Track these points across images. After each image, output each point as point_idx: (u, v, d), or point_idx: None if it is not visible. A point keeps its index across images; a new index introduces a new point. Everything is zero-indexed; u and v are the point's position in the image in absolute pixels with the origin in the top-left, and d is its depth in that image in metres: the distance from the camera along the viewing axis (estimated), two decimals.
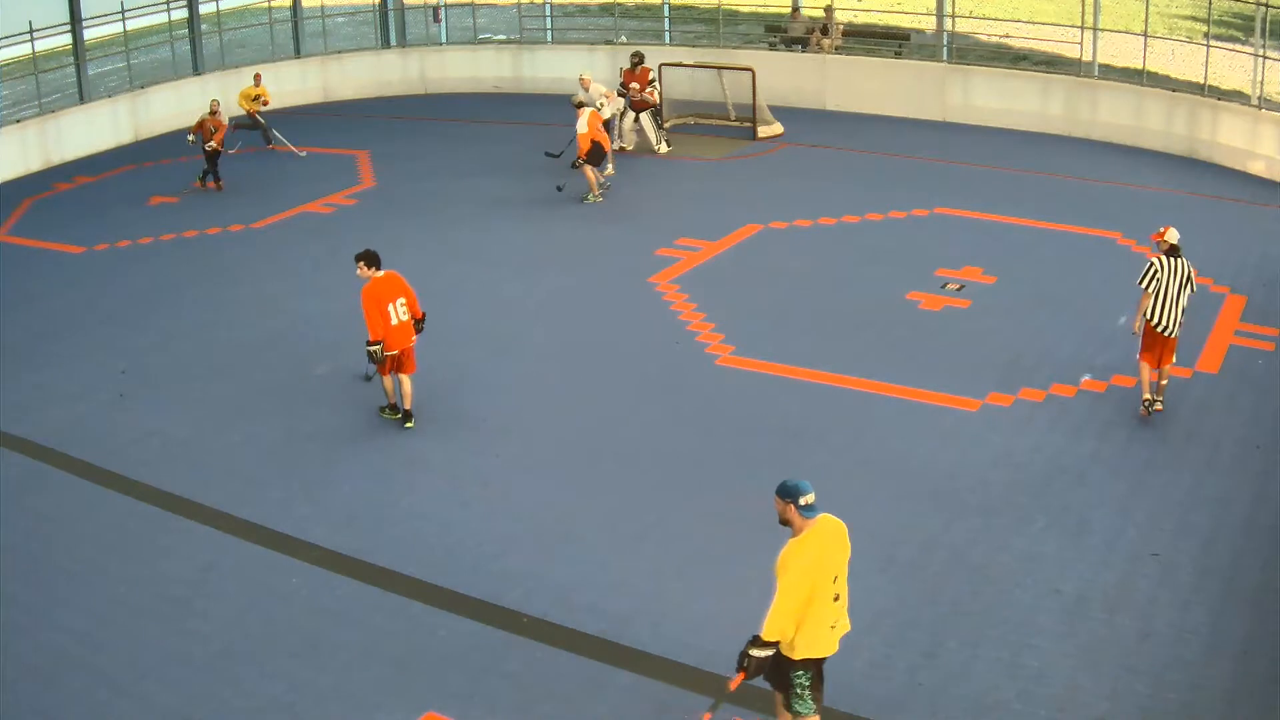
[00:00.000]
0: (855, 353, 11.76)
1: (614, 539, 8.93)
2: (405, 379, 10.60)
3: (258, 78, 20.69)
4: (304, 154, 19.65)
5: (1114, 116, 18.83)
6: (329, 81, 23.47)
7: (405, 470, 10.02)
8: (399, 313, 10.41)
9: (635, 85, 18.69)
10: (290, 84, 23.13)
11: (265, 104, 20.29)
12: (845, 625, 6.36)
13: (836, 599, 6.23)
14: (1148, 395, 10.29)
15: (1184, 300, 10.10)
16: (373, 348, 10.41)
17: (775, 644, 6.19)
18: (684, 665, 7.55)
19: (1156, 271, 10.08)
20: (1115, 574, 8.31)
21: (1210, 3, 19.14)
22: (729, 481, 9.65)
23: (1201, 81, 18.26)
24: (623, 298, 13.35)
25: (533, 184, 17.68)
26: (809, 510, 6.21)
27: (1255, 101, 17.69)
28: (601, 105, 17.54)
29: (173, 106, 21.47)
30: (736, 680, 6.30)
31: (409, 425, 10.63)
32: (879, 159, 18.55)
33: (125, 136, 20.76)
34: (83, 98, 20.50)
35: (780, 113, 20.09)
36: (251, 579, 8.62)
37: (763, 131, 19.64)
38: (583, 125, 16.52)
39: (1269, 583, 8.19)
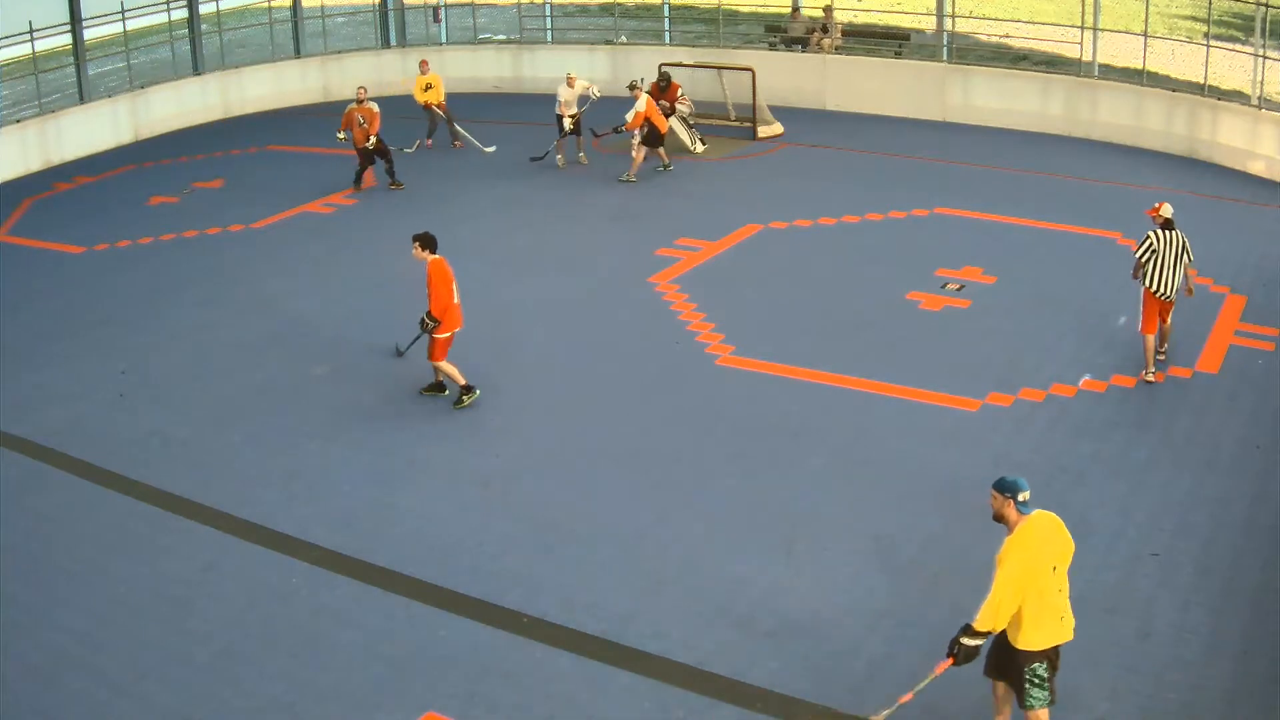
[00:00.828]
0: (855, 353, 11.76)
1: (614, 539, 8.94)
2: (445, 366, 10.94)
3: (424, 64, 19.72)
4: (492, 149, 18.98)
5: (1114, 116, 18.84)
6: (329, 81, 23.47)
7: (405, 470, 10.02)
8: (458, 294, 10.77)
9: (665, 103, 18.68)
10: (290, 84, 23.15)
11: (436, 95, 19.13)
12: (1071, 617, 6.53)
13: (1060, 590, 6.45)
14: (1150, 370, 10.92)
15: (1180, 268, 10.78)
16: (432, 321, 10.71)
17: (986, 634, 6.46)
18: (684, 665, 7.55)
19: (1153, 244, 10.79)
20: (1115, 574, 8.31)
21: (1210, 3, 19.14)
22: (729, 481, 9.65)
23: (1201, 81, 18.26)
24: (623, 298, 13.35)
25: (533, 184, 17.70)
26: (1025, 506, 6.43)
27: (1255, 101, 17.69)
28: (593, 97, 18.01)
29: (173, 106, 21.50)
30: (944, 665, 6.62)
31: (463, 403, 10.92)
32: (879, 159, 18.55)
33: (125, 136, 20.76)
34: (83, 98, 20.50)
35: (780, 113, 20.09)
36: (251, 579, 8.62)
37: (763, 131, 19.64)
38: (641, 105, 17.12)
39: (1269, 583, 8.19)
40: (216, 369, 11.97)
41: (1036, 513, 6.48)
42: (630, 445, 10.29)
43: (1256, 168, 17.11)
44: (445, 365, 10.93)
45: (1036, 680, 6.50)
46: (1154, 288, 10.80)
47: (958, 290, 13.19)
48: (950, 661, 6.59)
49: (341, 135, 17.34)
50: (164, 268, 14.87)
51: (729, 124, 20.24)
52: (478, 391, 10.99)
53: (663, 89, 18.77)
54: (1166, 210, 10.95)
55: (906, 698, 6.88)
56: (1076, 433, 10.22)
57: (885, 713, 6.94)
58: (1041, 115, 19.48)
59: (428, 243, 10.83)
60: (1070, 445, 10.01)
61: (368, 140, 17.12)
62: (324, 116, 22.42)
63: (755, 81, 19.49)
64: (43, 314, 13.55)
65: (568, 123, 18.01)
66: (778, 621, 7.96)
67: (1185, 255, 10.84)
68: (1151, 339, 10.95)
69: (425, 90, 19.49)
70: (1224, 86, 19.14)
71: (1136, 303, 11.19)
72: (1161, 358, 11.20)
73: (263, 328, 12.94)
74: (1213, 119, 17.75)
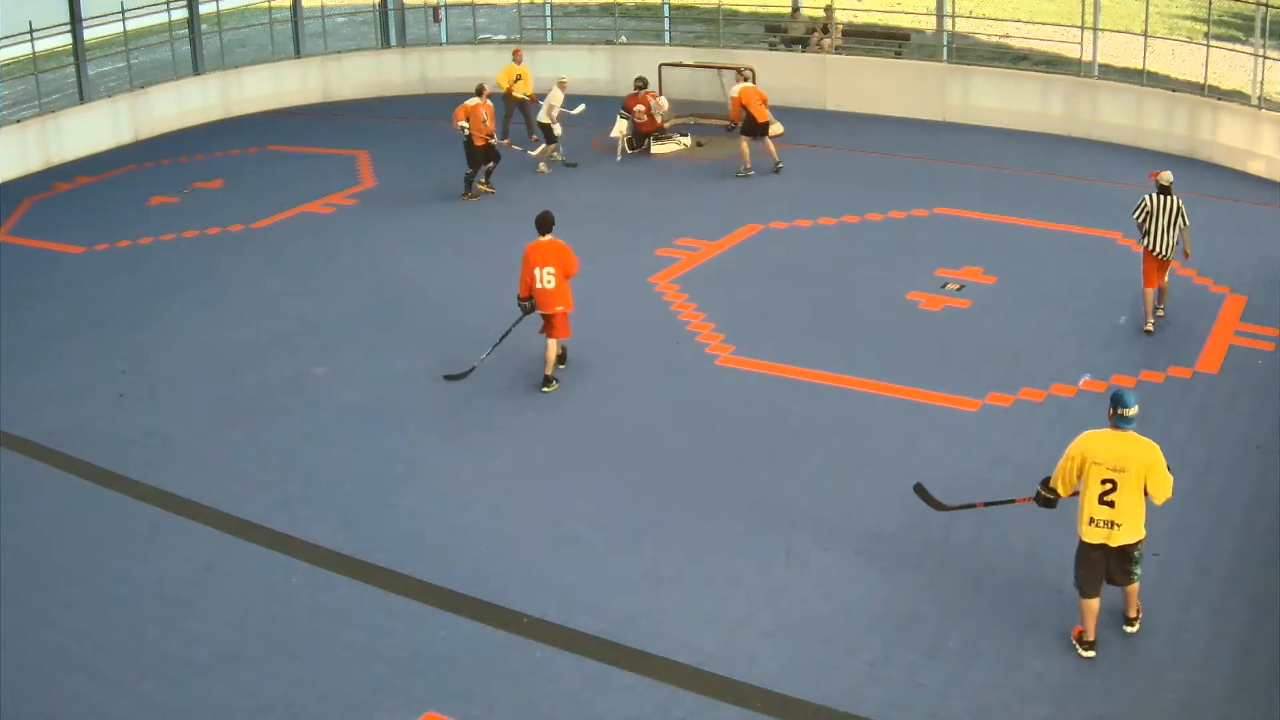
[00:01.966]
0: (855, 353, 11.76)
1: (614, 539, 8.94)
2: (551, 342, 11.19)
3: (518, 54, 19.51)
4: (536, 154, 18.39)
5: (1114, 116, 18.83)
6: (329, 81, 23.48)
7: (405, 470, 10.02)
8: (544, 278, 10.97)
9: (630, 110, 18.80)
10: (290, 84, 23.16)
11: (516, 87, 18.63)
12: (1116, 536, 7.19)
13: (1105, 502, 7.15)
14: (1150, 322, 11.91)
15: (1175, 230, 11.57)
16: (521, 303, 11.18)
17: (1054, 492, 7.49)
18: (684, 665, 7.55)
19: (1146, 206, 11.60)
20: None
21: (1210, 3, 19.14)
22: (729, 481, 9.65)
23: (1201, 81, 18.26)
24: (623, 297, 13.35)
25: (532, 184, 17.69)
26: (1122, 421, 7.18)
27: (1255, 101, 17.68)
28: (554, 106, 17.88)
29: (173, 106, 21.51)
30: (1025, 499, 7.86)
31: (545, 390, 11.15)
32: (879, 159, 18.55)
33: (125, 136, 20.77)
34: (83, 98, 20.51)
35: (780, 113, 20.06)
36: (251, 579, 8.62)
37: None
38: (734, 90, 17.45)
39: (1269, 583, 8.19)
40: (216, 369, 11.97)
41: (1131, 434, 7.16)
42: (630, 445, 10.29)
43: (1256, 168, 17.10)
44: (554, 346, 11.25)
45: (1076, 563, 7.44)
46: (1151, 247, 11.61)
47: (958, 290, 13.19)
48: (1031, 499, 7.74)
49: (463, 124, 16.49)
50: (164, 268, 14.87)
51: (729, 124, 20.17)
52: (558, 384, 11.30)
53: (635, 92, 18.82)
54: (1165, 177, 11.63)
55: (979, 505, 8.23)
56: (1076, 433, 10.10)
57: (955, 507, 8.29)
58: (1041, 115, 19.48)
59: (538, 224, 11.14)
60: None
61: (490, 137, 16.72)
62: (324, 116, 22.46)
63: (754, 82, 19.44)
64: (43, 314, 13.56)
65: (557, 129, 17.92)
66: (778, 621, 7.96)
67: (1180, 218, 11.53)
68: (1151, 293, 11.83)
69: (514, 81, 19.09)
70: (1224, 86, 19.13)
71: (1137, 290, 11.96)
72: (1160, 314, 11.99)
73: (263, 328, 12.93)
74: (1213, 119, 17.74)
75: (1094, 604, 7.38)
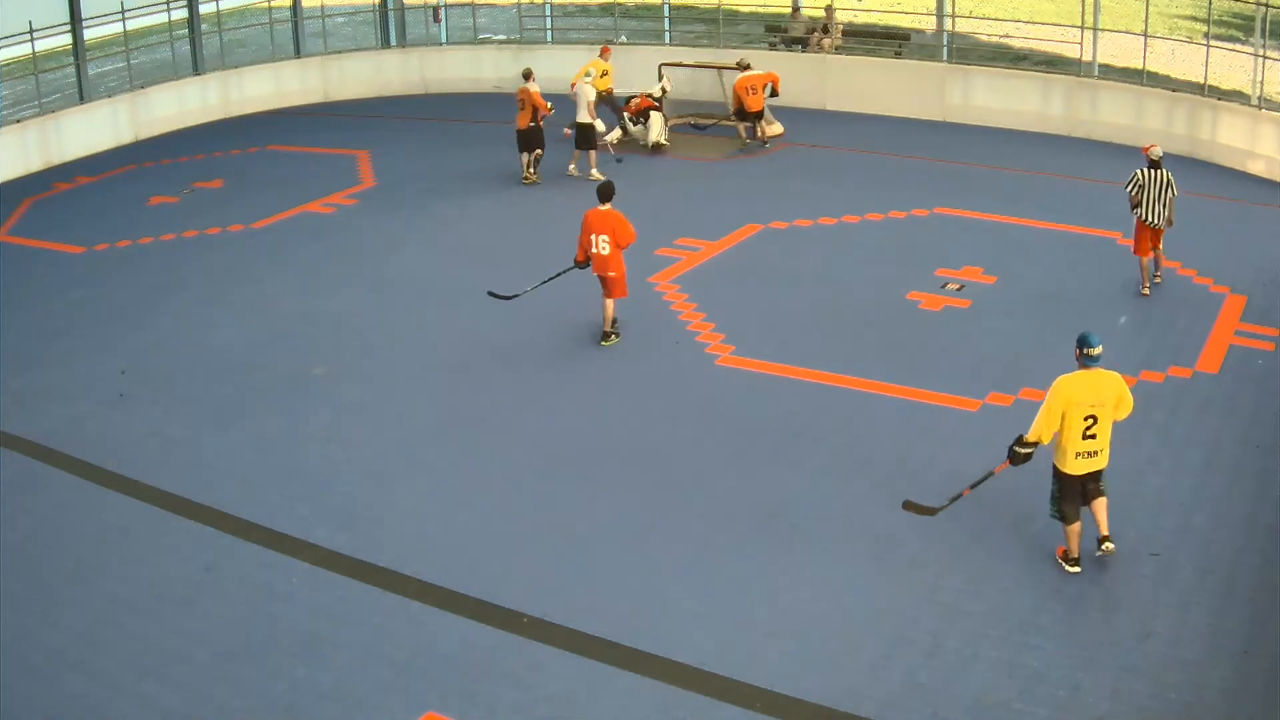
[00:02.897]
0: (855, 353, 11.76)
1: (614, 539, 8.94)
2: (608, 302, 12.00)
3: (606, 50, 19.49)
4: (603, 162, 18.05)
5: (1114, 116, 18.83)
6: (329, 81, 23.48)
7: (405, 470, 10.02)
8: (599, 244, 11.80)
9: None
10: (290, 84, 23.16)
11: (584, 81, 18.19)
12: (1096, 463, 8.04)
13: (1089, 436, 7.95)
14: (1145, 286, 12.83)
15: (1165, 200, 12.45)
16: (578, 264, 12.11)
17: (1033, 444, 8.11)
18: (684, 665, 7.55)
19: (1138, 180, 12.50)
20: (1115, 574, 8.31)
21: (1210, 3, 19.14)
22: (729, 481, 9.65)
23: (1201, 81, 18.26)
24: (622, 298, 13.32)
25: (533, 184, 17.69)
26: (1089, 360, 7.97)
27: (1255, 101, 17.69)
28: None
29: (173, 106, 21.50)
30: (1001, 466, 8.39)
31: (604, 344, 11.99)
32: (879, 159, 18.55)
33: (125, 136, 20.76)
34: (83, 98, 20.51)
35: (780, 113, 20.08)
36: (251, 579, 8.62)
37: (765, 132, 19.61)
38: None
39: (1269, 583, 8.19)
40: (217, 369, 11.97)
41: (1095, 369, 7.97)
42: (630, 445, 10.28)
43: (1256, 168, 17.11)
44: (610, 305, 12.04)
45: (1052, 494, 8.22)
46: (1144, 217, 12.56)
47: (958, 290, 13.19)
48: (1007, 463, 8.28)
49: (550, 109, 17.24)
50: (164, 268, 14.87)
51: (729, 124, 20.20)
52: (603, 336, 12.09)
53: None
54: (1155, 152, 12.57)
55: (966, 492, 8.54)
56: None
57: (947, 504, 8.56)
58: (1041, 115, 19.48)
59: (598, 193, 12.02)
60: None
61: (534, 120, 17.10)
62: (324, 116, 22.46)
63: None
64: (43, 314, 13.56)
65: (599, 124, 17.78)
66: (777, 621, 7.96)
67: (1170, 190, 12.46)
68: (1146, 261, 12.81)
69: (602, 77, 18.99)
70: (1224, 86, 19.14)
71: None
72: (1158, 281, 12.96)
73: (263, 328, 12.94)
74: (1213, 119, 17.75)
75: (1077, 526, 8.21)
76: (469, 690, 7.40)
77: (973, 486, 8.59)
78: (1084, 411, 7.90)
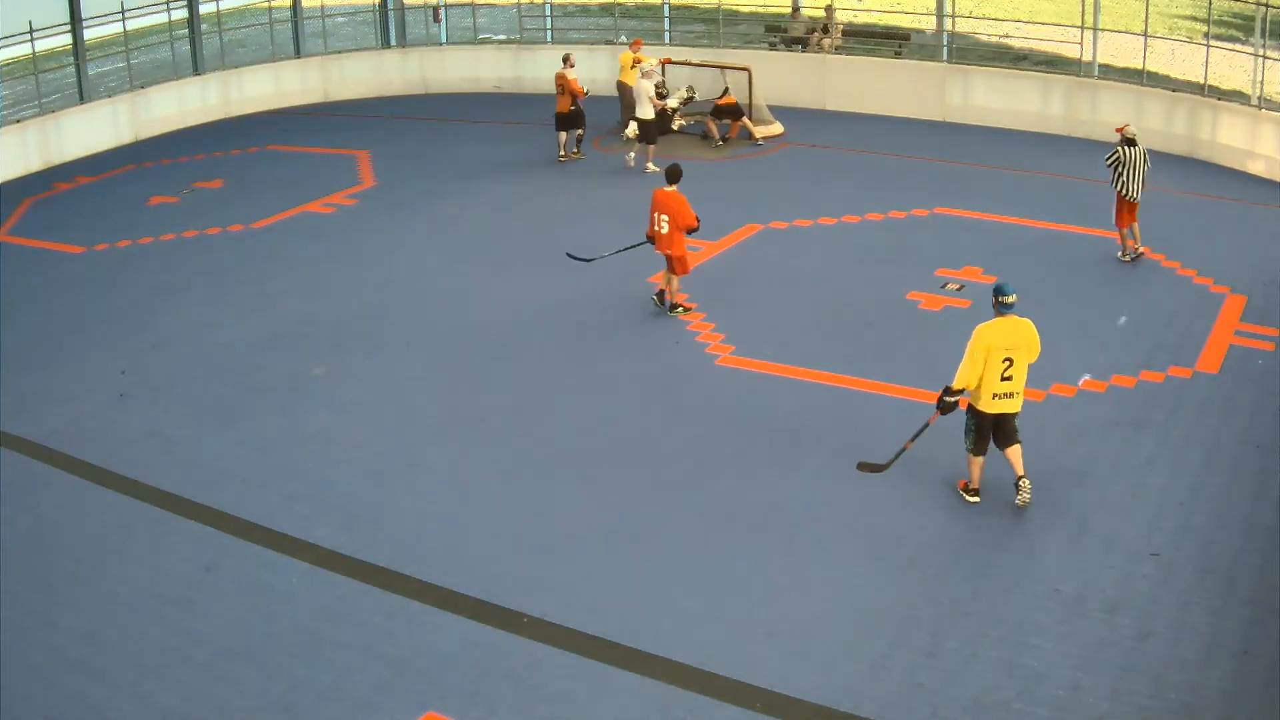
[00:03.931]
0: (855, 353, 11.76)
1: (613, 539, 8.94)
2: (673, 277, 12.61)
3: (638, 43, 20.04)
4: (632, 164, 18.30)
5: (1114, 116, 18.73)
6: (329, 81, 23.47)
7: (405, 470, 10.02)
8: (660, 223, 12.43)
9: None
10: (290, 84, 23.15)
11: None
12: (1011, 405, 8.80)
13: (1006, 378, 8.69)
14: (1126, 254, 13.78)
15: (1142, 175, 13.45)
16: (642, 244, 12.94)
17: (959, 392, 8.85)
18: (684, 665, 7.55)
19: (1119, 156, 13.47)
20: (1115, 574, 8.32)
21: (1210, 3, 19.14)
22: (728, 482, 9.65)
23: (1201, 81, 18.26)
24: (623, 298, 13.34)
25: (532, 184, 17.71)
26: (1004, 308, 8.73)
27: (1255, 101, 17.68)
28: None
29: (173, 106, 21.49)
30: (934, 417, 9.16)
31: (671, 314, 12.68)
32: (879, 159, 18.55)
33: (125, 136, 20.75)
34: (83, 98, 20.49)
35: (780, 113, 20.09)
36: (251, 579, 8.62)
37: (763, 131, 19.62)
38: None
39: (1269, 583, 8.20)
40: (216, 369, 11.97)
41: (1010, 316, 8.72)
42: (630, 445, 10.29)
43: (1256, 168, 17.11)
44: (674, 280, 12.60)
45: (967, 428, 9.00)
46: (1123, 191, 13.50)
47: (958, 290, 13.19)
48: (938, 414, 9.07)
49: (585, 92, 18.43)
50: (164, 268, 14.87)
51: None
52: (662, 304, 12.74)
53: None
54: (1129, 130, 13.60)
55: (908, 445, 9.28)
56: (1076, 433, 10.22)
57: (893, 459, 9.26)
58: (1041, 115, 19.48)
59: (667, 174, 12.58)
60: (1070, 445, 10.01)
61: (573, 104, 18.20)
62: (324, 116, 22.45)
63: (752, 81, 19.49)
64: (43, 314, 13.56)
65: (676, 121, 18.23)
66: (778, 621, 7.96)
67: (1145, 165, 13.53)
68: (1124, 231, 13.71)
69: (631, 69, 19.20)
70: (1224, 86, 19.14)
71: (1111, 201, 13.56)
72: (1141, 252, 13.78)
73: (263, 328, 12.94)
74: (1213, 119, 17.75)
75: (982, 460, 9.04)
76: (469, 690, 7.40)
77: (913, 439, 9.30)
78: (1001, 355, 8.65)
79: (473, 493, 9.66)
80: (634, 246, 13.16)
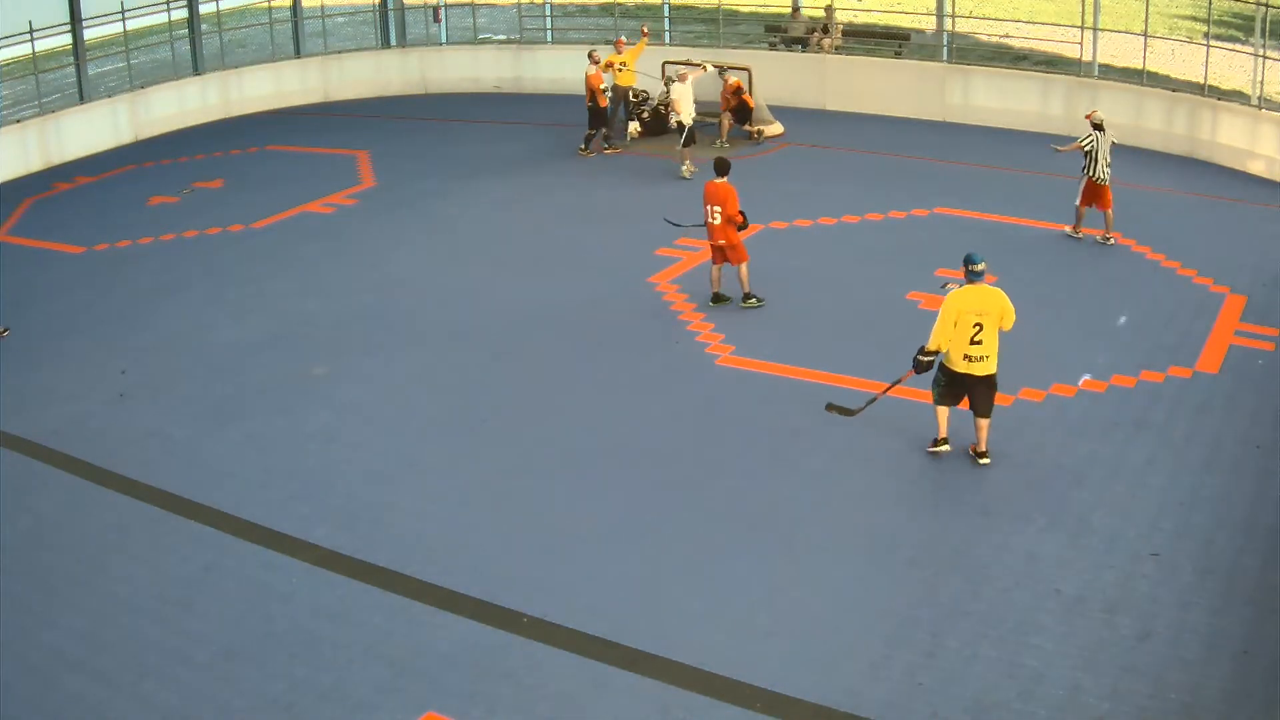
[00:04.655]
0: (855, 353, 11.76)
1: (614, 539, 8.94)
2: (740, 267, 12.79)
3: (619, 44, 19.91)
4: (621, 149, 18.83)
5: (1114, 116, 18.69)
6: (329, 81, 23.47)
7: (405, 470, 10.02)
8: (711, 214, 12.66)
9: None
10: (290, 84, 23.15)
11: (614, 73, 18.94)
12: (981, 367, 9.37)
13: (975, 342, 9.28)
14: (1095, 233, 14.42)
15: (1109, 159, 14.18)
16: (694, 226, 13.39)
17: (934, 353, 9.49)
18: (684, 665, 7.55)
19: (1093, 139, 14.13)
20: (1115, 574, 8.32)
21: (1210, 3, 19.14)
22: (728, 481, 9.65)
23: (1201, 81, 18.26)
24: (623, 298, 13.35)
25: (533, 184, 17.70)
26: (973, 276, 9.38)
27: (1255, 101, 17.69)
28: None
29: (173, 106, 21.49)
30: (907, 375, 9.79)
31: (743, 305, 12.88)
32: (879, 159, 18.55)
33: (125, 136, 20.75)
34: (83, 98, 20.49)
35: (780, 113, 20.08)
36: (251, 579, 8.62)
37: (762, 131, 19.61)
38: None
39: (1269, 583, 8.20)
40: (216, 369, 11.97)
41: (983, 286, 9.37)
42: (630, 445, 10.28)
43: (1256, 168, 17.11)
44: (742, 269, 12.84)
45: (936, 381, 9.64)
46: (1092, 175, 14.17)
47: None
48: (911, 371, 9.67)
49: (604, 91, 18.62)
50: (164, 268, 14.87)
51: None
52: (715, 299, 12.92)
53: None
54: (1097, 116, 14.40)
55: (879, 395, 9.99)
56: (1076, 433, 10.22)
57: (865, 405, 9.95)
58: (1041, 115, 19.46)
59: (715, 167, 12.90)
60: (1070, 445, 10.01)
61: (591, 100, 18.52)
62: (324, 116, 22.45)
63: (751, 81, 19.48)
64: (43, 314, 13.55)
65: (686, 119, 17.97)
66: (778, 621, 7.96)
67: (1110, 147, 14.26)
68: (1084, 210, 14.39)
69: (620, 70, 19.18)
70: (1224, 86, 19.14)
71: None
72: (1112, 241, 14.34)
73: (263, 328, 12.93)
74: (1213, 119, 17.75)
75: (945, 411, 9.70)
76: (469, 690, 7.40)
77: (885, 390, 9.98)
78: (971, 319, 9.25)
79: (473, 493, 9.66)
80: (690, 227, 13.71)
